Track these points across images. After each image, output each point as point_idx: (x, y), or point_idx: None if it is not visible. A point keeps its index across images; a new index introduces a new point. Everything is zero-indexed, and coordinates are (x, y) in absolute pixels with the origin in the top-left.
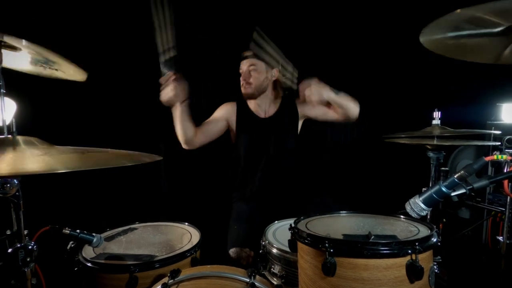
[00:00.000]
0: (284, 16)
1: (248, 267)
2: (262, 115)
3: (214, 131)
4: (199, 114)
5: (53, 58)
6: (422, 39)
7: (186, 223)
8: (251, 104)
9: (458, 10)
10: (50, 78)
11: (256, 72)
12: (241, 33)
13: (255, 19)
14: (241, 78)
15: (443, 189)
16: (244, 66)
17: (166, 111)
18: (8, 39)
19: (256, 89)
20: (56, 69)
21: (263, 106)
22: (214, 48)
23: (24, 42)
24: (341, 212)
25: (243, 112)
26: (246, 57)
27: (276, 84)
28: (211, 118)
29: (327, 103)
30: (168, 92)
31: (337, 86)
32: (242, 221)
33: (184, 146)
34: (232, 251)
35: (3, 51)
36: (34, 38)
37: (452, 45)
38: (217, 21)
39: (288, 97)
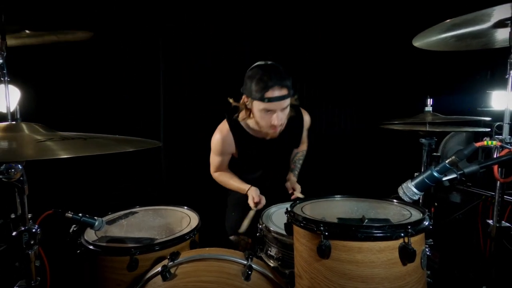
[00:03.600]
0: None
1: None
2: (264, 136)
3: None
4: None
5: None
6: (416, 43)
7: (185, 207)
8: (250, 124)
9: (448, 20)
10: (52, 59)
11: (286, 111)
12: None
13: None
14: (271, 120)
15: (435, 174)
16: (277, 106)
17: (166, 99)
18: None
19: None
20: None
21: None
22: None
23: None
24: (336, 196)
25: (241, 136)
26: (278, 98)
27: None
28: (218, 160)
29: None
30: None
31: (335, 75)
32: (239, 208)
33: None
34: (232, 238)
35: None
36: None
37: (444, 43)
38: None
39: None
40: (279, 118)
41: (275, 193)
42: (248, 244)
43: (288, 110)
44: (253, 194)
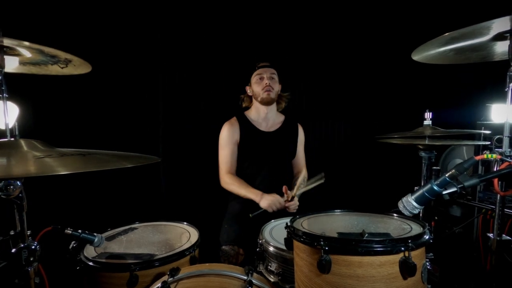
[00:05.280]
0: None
1: (240, 264)
2: (263, 128)
3: (236, 156)
4: (198, 116)
5: (56, 53)
6: (415, 57)
7: (185, 223)
8: (252, 115)
9: (447, 34)
10: (50, 76)
11: (275, 81)
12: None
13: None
14: (263, 83)
15: (435, 187)
16: (266, 73)
17: (166, 113)
18: (9, 42)
19: (275, 96)
20: (59, 65)
21: (266, 119)
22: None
23: (26, 43)
24: (336, 210)
25: (246, 127)
26: (265, 66)
27: (279, 98)
28: (229, 152)
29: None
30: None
31: (335, 89)
32: (233, 220)
33: None
34: (221, 250)
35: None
36: (35, 37)
37: (443, 56)
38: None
39: (292, 119)
40: (266, 78)
41: (270, 188)
42: (239, 254)
43: (276, 83)
44: (269, 204)
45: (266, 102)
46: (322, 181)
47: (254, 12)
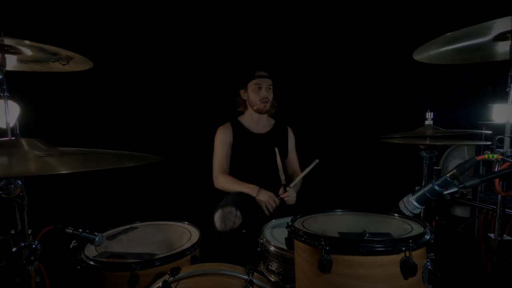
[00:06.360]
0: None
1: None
2: (254, 130)
3: (229, 158)
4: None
5: (57, 51)
6: (417, 57)
7: (186, 222)
8: (245, 120)
9: (449, 34)
10: (51, 76)
11: (271, 91)
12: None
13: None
14: (261, 94)
15: (436, 187)
16: (264, 84)
17: (168, 113)
18: (10, 41)
19: (270, 106)
20: (60, 62)
21: (258, 123)
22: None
23: (27, 41)
24: (337, 210)
25: (239, 130)
26: (264, 76)
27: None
28: (223, 153)
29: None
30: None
31: (336, 89)
32: (232, 194)
33: None
34: (216, 215)
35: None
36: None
37: (445, 56)
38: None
39: (282, 122)
40: (264, 89)
41: (268, 187)
42: (236, 216)
43: (271, 93)
44: (266, 198)
45: (261, 112)
46: (316, 161)
47: (253, 17)
